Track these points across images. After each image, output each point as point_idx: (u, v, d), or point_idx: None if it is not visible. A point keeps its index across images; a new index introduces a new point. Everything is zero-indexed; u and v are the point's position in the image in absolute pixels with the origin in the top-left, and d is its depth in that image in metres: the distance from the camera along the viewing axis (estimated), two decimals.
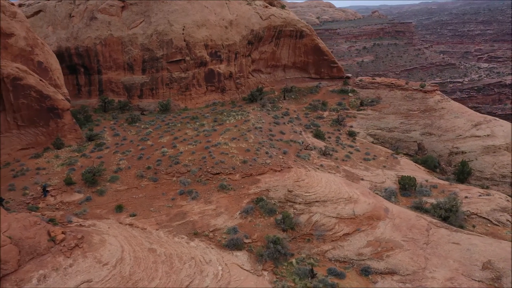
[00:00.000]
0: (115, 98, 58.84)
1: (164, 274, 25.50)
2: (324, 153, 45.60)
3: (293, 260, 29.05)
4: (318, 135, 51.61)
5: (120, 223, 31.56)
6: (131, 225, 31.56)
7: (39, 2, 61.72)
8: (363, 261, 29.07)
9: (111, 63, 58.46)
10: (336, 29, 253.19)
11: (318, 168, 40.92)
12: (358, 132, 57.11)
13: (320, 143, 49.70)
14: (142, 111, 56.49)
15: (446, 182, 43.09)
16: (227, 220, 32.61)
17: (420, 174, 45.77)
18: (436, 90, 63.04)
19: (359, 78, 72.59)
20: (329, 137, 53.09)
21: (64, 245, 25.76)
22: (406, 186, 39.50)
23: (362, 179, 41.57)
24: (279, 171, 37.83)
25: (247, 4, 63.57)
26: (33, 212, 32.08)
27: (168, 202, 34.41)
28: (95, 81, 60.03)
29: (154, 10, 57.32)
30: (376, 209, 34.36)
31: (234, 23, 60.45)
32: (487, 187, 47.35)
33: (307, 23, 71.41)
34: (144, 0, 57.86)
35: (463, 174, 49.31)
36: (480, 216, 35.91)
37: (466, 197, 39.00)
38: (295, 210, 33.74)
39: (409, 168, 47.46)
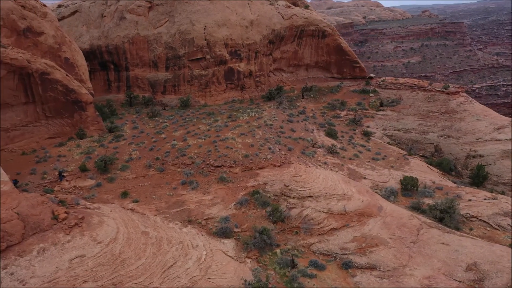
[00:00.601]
0: (141, 94, 62.30)
1: (151, 255, 27.56)
2: (331, 151, 46.16)
3: (278, 251, 30.22)
4: (331, 134, 52.11)
5: (123, 207, 34.04)
6: (132, 210, 33.99)
7: (75, 3, 66.47)
8: (346, 255, 29.73)
9: (137, 61, 61.97)
10: (382, 29, 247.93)
11: (320, 165, 41.71)
12: (375, 133, 56.90)
13: (330, 142, 50.22)
14: (164, 107, 59.46)
15: (454, 185, 42.41)
16: (222, 210, 34.30)
17: (430, 176, 45.22)
18: (460, 92, 61.32)
19: (382, 78, 71.84)
20: (342, 136, 53.41)
21: (65, 223, 28.45)
22: (408, 186, 39.37)
23: (365, 178, 41.85)
24: (278, 166, 39.05)
25: (270, 4, 64.94)
26: (48, 194, 35.34)
27: (169, 191, 36.63)
28: (123, 77, 63.81)
29: (178, 10, 60.15)
30: (368, 207, 34.77)
31: (255, 22, 62.07)
32: (503, 192, 46.00)
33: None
34: (169, 0, 60.85)
35: (478, 178, 48.08)
36: (480, 220, 35.30)
37: (469, 200, 38.42)
38: (288, 204, 34.85)
39: (419, 169, 46.95)
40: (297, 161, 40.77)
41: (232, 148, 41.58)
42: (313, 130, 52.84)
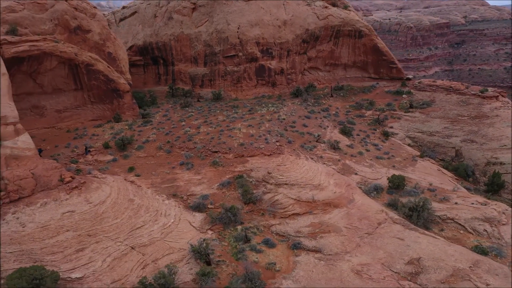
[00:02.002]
0: (183, 87, 68.86)
1: (127, 217, 32.86)
2: (334, 147, 47.76)
3: (239, 227, 33.61)
4: (345, 131, 53.33)
5: (125, 179, 39.94)
6: (132, 182, 39.74)
7: (136, 5, 75.33)
8: (298, 237, 32.17)
9: (181, 56, 68.60)
10: (483, 29, 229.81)
11: (312, 158, 43.86)
12: (397, 133, 56.56)
13: (340, 138, 51.59)
14: (198, 99, 65.26)
15: (450, 188, 41.68)
16: (205, 189, 38.58)
17: (432, 179, 44.66)
18: (499, 96, 57.80)
19: (419, 80, 69.85)
20: (358, 135, 54.23)
21: (68, 185, 35.01)
22: (395, 184, 39.89)
23: (356, 174, 43.04)
24: (268, 155, 42.21)
25: (306, 4, 67.18)
26: (72, 164, 42.71)
27: (168, 169, 41.86)
28: (170, 71, 71.02)
29: (217, 11, 65.40)
30: (338, 198, 36.55)
31: (288, 22, 64.93)
32: None
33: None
34: (210, 1, 66.40)
35: (492, 186, 46.19)
36: (457, 222, 35.08)
37: (456, 203, 38.00)
38: (265, 189, 37.97)
39: (423, 171, 46.45)
40: (289, 152, 43.49)
41: (233, 137, 45.60)
42: (327, 126, 54.53)
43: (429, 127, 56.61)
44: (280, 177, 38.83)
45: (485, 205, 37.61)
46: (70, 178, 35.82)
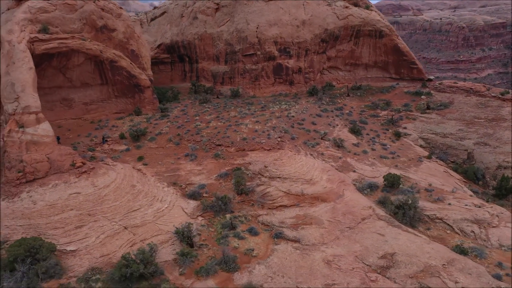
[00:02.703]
0: (205, 84, 71.81)
1: (126, 200, 35.86)
2: (338, 145, 48.55)
3: (228, 215, 35.59)
4: (354, 130, 53.78)
5: (133, 167, 43.10)
6: (139, 170, 42.82)
7: (165, 5, 79.21)
8: (281, 228, 33.67)
9: (204, 55, 71.54)
10: None
11: (312, 155, 44.98)
12: (410, 134, 56.16)
13: (350, 137, 52.23)
14: (217, 95, 67.86)
15: (449, 190, 41.36)
16: (203, 179, 40.93)
17: (433, 180, 44.35)
18: None
19: (440, 81, 68.33)
20: (367, 134, 54.46)
21: (78, 170, 38.64)
22: (391, 183, 40.25)
23: (354, 171, 43.69)
24: (267, 150, 43.91)
25: (327, 4, 67.76)
26: (89, 152, 46.53)
27: (173, 160, 44.60)
28: (194, 69, 74.22)
29: (238, 11, 67.61)
30: (327, 193, 37.64)
31: (307, 22, 65.89)
32: None
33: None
34: (232, 2, 68.75)
35: (500, 190, 45.24)
36: (445, 222, 35.15)
37: (449, 203, 37.89)
38: (259, 181, 39.74)
39: (426, 172, 46.15)
40: (290, 148, 44.93)
41: (238, 132, 47.66)
42: (336, 125, 55.19)
43: (443, 129, 55.76)
44: (275, 171, 40.45)
45: (480, 207, 37.24)
46: (81, 164, 39.46)
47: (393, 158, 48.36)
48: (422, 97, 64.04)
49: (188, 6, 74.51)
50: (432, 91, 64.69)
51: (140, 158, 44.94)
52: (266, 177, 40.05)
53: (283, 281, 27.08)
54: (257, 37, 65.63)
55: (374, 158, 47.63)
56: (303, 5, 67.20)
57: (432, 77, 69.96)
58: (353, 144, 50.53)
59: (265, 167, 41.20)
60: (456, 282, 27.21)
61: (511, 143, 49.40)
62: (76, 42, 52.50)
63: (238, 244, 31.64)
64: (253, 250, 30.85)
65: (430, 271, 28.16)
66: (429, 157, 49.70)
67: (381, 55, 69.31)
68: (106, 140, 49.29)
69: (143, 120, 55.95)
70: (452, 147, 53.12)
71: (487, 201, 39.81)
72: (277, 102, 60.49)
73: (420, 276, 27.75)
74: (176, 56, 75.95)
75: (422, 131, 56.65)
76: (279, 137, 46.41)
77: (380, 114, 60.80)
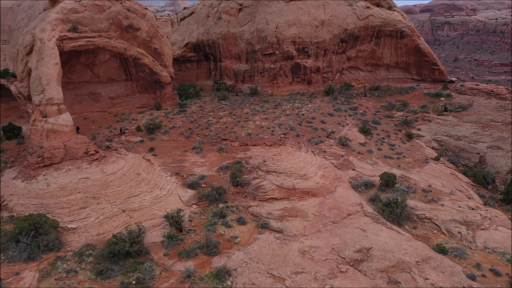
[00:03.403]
0: (228, 82, 74.27)
1: (128, 186, 38.84)
2: (343, 144, 49.18)
3: (221, 205, 37.59)
4: (363, 130, 53.99)
5: (143, 157, 46.19)
6: (148, 160, 45.82)
7: (194, 6, 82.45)
8: (268, 219, 35.23)
9: (227, 54, 73.99)
10: None
11: (313, 152, 46.00)
12: (423, 136, 55.45)
13: (358, 137, 52.61)
14: (237, 93, 70.03)
15: (448, 192, 40.99)
16: (205, 170, 43.20)
17: (435, 181, 43.88)
18: None
19: (461, 83, 66.39)
20: (378, 134, 54.42)
21: (90, 157, 42.16)
22: (386, 182, 40.59)
23: (353, 169, 44.23)
24: (269, 145, 45.50)
25: (348, 5, 67.89)
26: (107, 142, 50.19)
27: (181, 152, 47.26)
28: (218, 67, 76.92)
29: (259, 11, 69.34)
30: (318, 189, 38.76)
31: (326, 22, 66.43)
32: None
33: None
34: (254, 2, 70.61)
35: (507, 195, 44.07)
36: (433, 222, 35.28)
37: (442, 204, 37.78)
38: (256, 175, 41.47)
39: (431, 173, 45.70)
40: (291, 144, 46.25)
41: (244, 127, 49.56)
42: (347, 124, 55.58)
43: (457, 131, 54.65)
44: (272, 165, 42.00)
45: (473, 209, 36.90)
46: (94, 152, 42.98)
47: (398, 158, 48.32)
48: (442, 98, 62.83)
49: (213, 6, 77.30)
50: (452, 93, 63.30)
51: (151, 149, 47.97)
52: (263, 171, 41.71)
53: (256, 267, 28.71)
54: (276, 37, 67.14)
55: (378, 158, 47.85)
56: (323, 5, 67.84)
57: (454, 79, 68.22)
58: (359, 143, 50.91)
59: (264, 161, 42.85)
60: (426, 279, 27.68)
61: None
62: (102, 40, 56.54)
63: (224, 231, 33.58)
64: (236, 238, 32.67)
65: (402, 266, 28.79)
66: (436, 159, 49.13)
67: (403, 56, 68.55)
68: (124, 132, 52.87)
69: (161, 114, 59.21)
70: (465, 150, 52.04)
71: (485, 204, 39.15)
72: (292, 101, 61.75)
73: (391, 271, 28.44)
74: (202, 54, 79.03)
75: (436, 133, 55.81)
76: (283, 133, 47.83)
77: (395, 115, 60.40)
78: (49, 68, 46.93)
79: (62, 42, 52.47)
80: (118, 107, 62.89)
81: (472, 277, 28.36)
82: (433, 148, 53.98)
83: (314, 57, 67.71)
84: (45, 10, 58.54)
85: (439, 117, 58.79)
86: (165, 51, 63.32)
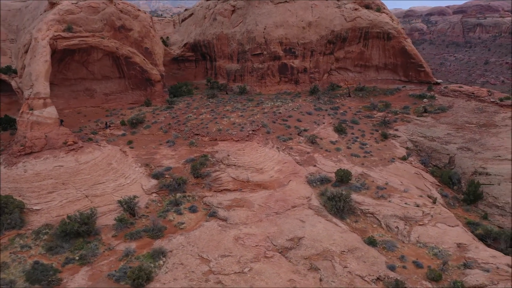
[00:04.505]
0: (221, 81, 76.99)
1: (97, 175, 42.04)
2: (312, 141, 50.81)
3: (179, 194, 40.16)
4: (338, 129, 55.33)
5: (120, 149, 49.35)
6: (124, 152, 48.93)
7: (193, 8, 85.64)
8: (217, 208, 37.50)
9: (221, 54, 76.72)
10: None
11: (278, 148, 47.94)
12: (399, 136, 56.28)
13: (331, 135, 54.06)
14: (227, 91, 72.59)
15: (402, 189, 42.06)
16: (172, 163, 45.93)
17: (396, 180, 44.91)
18: None
19: (445, 85, 66.26)
20: (352, 133, 55.61)
21: (68, 147, 45.69)
22: (340, 178, 42.08)
23: (315, 166, 45.85)
24: (236, 141, 47.79)
25: (336, 7, 69.17)
26: (92, 135, 53.72)
27: (155, 145, 50.20)
28: (213, 66, 79.75)
29: (250, 13, 71.62)
30: (271, 182, 40.79)
31: (313, 24, 67.93)
32: (485, 215, 42.20)
33: None
34: (246, 4, 72.95)
35: (468, 195, 44.66)
36: (375, 217, 36.73)
37: (390, 201, 39.04)
38: (217, 167, 43.86)
39: (393, 172, 46.67)
40: (258, 140, 48.37)
41: (218, 123, 52.06)
42: (323, 123, 57.05)
43: (432, 132, 55.21)
44: (233, 159, 44.29)
45: (418, 206, 38.01)
46: (72, 143, 46.50)
47: (364, 157, 49.54)
48: (424, 100, 63.26)
49: (210, 8, 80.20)
50: (436, 95, 63.59)
51: (129, 142, 51.15)
52: (225, 164, 44.08)
53: (190, 249, 31.10)
54: (264, 38, 69.28)
55: (344, 156, 49.24)
56: (311, 7, 69.41)
57: (439, 81, 68.26)
58: (330, 141, 52.39)
59: (228, 155, 45.20)
60: (345, 267, 29.36)
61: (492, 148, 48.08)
62: (95, 39, 60.34)
63: (173, 218, 36.16)
64: (183, 224, 35.17)
65: (325, 255, 30.52)
66: (403, 159, 50.06)
67: (390, 57, 69.23)
68: (109, 126, 56.37)
69: (149, 110, 62.50)
70: (437, 151, 52.64)
71: (434, 202, 39.99)
72: (275, 100, 63.76)
73: (314, 258, 30.24)
74: (199, 54, 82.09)
75: (413, 134, 56.53)
76: (252, 130, 50.02)
77: (375, 115, 61.38)
78: (39, 65, 50.78)
79: (56, 41, 56.39)
80: (111, 103, 66.65)
81: (392, 268, 29.84)
82: (406, 148, 54.76)
83: (301, 57, 69.42)
84: (45, 11, 62.95)
85: (418, 118, 59.42)
86: (156, 51, 66.64)
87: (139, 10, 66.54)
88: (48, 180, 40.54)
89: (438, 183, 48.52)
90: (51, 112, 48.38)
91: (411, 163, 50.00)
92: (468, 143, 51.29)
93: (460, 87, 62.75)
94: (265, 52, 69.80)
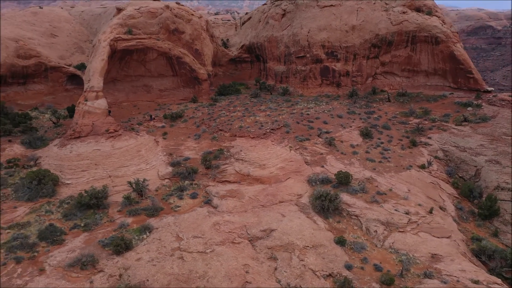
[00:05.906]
0: (270, 82, 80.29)
1: (124, 159, 48.39)
2: (330, 143, 51.72)
3: (187, 182, 44.56)
4: (364, 134, 55.19)
5: (154, 139, 55.46)
6: (157, 141, 54.92)
7: (252, 12, 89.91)
8: (214, 197, 41.14)
9: (271, 56, 79.89)
10: None
11: (291, 147, 49.86)
12: (431, 145, 54.17)
13: (354, 139, 54.30)
14: (271, 92, 75.54)
15: (401, 196, 41.46)
16: (192, 154, 50.61)
17: (403, 187, 44.20)
18: None
19: (495, 93, 60.70)
20: (379, 138, 54.94)
21: (108, 134, 52.95)
22: (340, 180, 42.90)
23: (322, 167, 46.90)
24: (252, 138, 50.88)
25: (384, 10, 67.76)
26: (137, 125, 60.81)
27: (184, 137, 55.40)
28: (265, 67, 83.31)
29: (297, 16, 73.48)
30: (269, 178, 43.24)
31: (357, 27, 67.45)
32: (495, 232, 40.02)
33: None
34: (294, 9, 74.96)
35: (482, 210, 42.40)
36: (359, 220, 37.33)
37: (381, 206, 39.15)
38: (228, 161, 47.43)
39: (404, 179, 45.60)
40: (274, 139, 50.81)
41: (242, 121, 55.51)
42: (350, 127, 57.20)
43: (465, 143, 52.25)
44: (244, 155, 47.50)
45: (407, 214, 37.57)
46: (113, 130, 53.77)
47: (380, 162, 49.13)
48: (468, 109, 59.56)
49: (264, 12, 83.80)
50: (484, 104, 59.44)
51: (164, 134, 57.09)
52: (235, 158, 47.52)
53: (172, 229, 35.22)
54: (307, 41, 70.85)
55: (358, 159, 49.41)
56: (357, 10, 69.13)
57: (490, 89, 63.20)
58: (350, 145, 52.72)
59: (240, 150, 48.54)
60: (302, 260, 31.14)
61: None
62: (150, 41, 67.87)
63: (173, 201, 40.73)
64: (179, 207, 39.53)
65: (287, 247, 32.50)
66: (422, 167, 48.58)
67: (439, 63, 66.02)
68: (154, 118, 63.17)
69: (193, 106, 68.27)
70: (465, 162, 49.97)
71: (430, 212, 38.90)
72: (312, 101, 65.22)
73: (276, 249, 32.42)
74: (254, 56, 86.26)
75: (445, 143, 54.11)
76: (271, 129, 52.64)
77: (410, 122, 59.59)
78: (96, 62, 59.21)
79: (116, 42, 64.80)
80: (165, 98, 73.95)
81: (348, 267, 30.87)
82: (435, 157, 52.73)
83: (343, 61, 69.63)
84: (114, 16, 72.26)
85: (456, 127, 56.43)
86: (205, 52, 72.27)
87: (192, 14, 72.77)
88: (85, 161, 47.83)
89: (456, 195, 46.44)
90: (101, 103, 56.21)
91: (430, 172, 48.35)
92: (498, 156, 47.92)
93: (510, 96, 57.94)
94: (307, 55, 71.43)
